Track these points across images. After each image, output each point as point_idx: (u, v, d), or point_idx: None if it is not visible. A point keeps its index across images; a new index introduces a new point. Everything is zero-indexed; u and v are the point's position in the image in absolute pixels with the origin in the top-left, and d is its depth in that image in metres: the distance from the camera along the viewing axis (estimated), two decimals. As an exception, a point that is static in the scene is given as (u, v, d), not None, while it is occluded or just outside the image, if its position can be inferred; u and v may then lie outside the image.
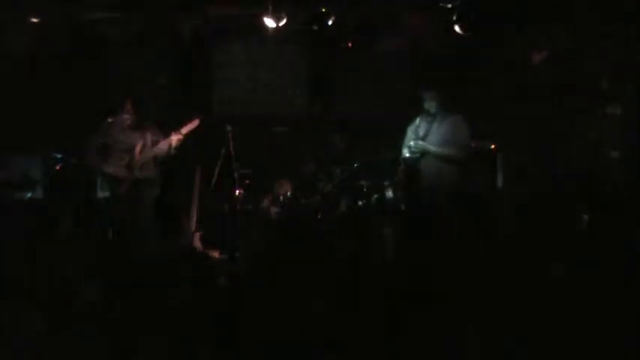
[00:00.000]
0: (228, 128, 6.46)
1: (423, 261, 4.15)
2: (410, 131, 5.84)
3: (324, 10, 6.60)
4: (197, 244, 6.20)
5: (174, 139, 5.63)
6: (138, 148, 5.60)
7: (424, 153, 5.68)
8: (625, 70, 6.53)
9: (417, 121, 5.80)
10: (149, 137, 5.68)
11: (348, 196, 6.64)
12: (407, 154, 5.81)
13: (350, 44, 7.43)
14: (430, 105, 5.72)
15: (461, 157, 5.59)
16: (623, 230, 4.89)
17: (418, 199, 5.76)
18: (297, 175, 7.07)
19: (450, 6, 6.06)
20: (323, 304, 3.42)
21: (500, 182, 6.86)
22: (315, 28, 6.80)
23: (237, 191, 6.47)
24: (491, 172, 6.91)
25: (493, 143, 6.94)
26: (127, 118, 5.62)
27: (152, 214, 5.75)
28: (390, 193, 6.40)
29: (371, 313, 3.29)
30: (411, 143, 5.73)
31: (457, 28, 6.15)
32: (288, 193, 6.81)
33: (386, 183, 6.47)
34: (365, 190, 6.64)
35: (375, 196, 6.55)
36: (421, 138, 5.71)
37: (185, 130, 5.70)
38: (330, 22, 6.65)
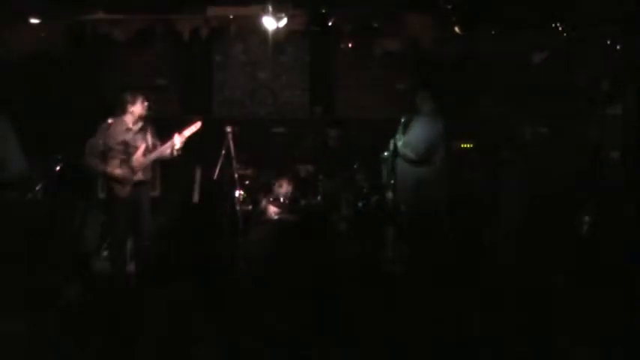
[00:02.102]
0: (228, 129, 6.46)
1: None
2: (398, 131, 5.96)
3: (324, 10, 6.60)
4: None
5: (177, 141, 5.61)
6: (140, 150, 5.57)
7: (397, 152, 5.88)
8: (625, 70, 6.53)
9: (403, 120, 5.92)
10: (150, 139, 5.66)
11: (349, 196, 6.64)
12: (385, 154, 6.04)
13: (350, 44, 7.43)
14: (417, 104, 5.86)
15: (412, 157, 5.73)
16: (623, 230, 4.90)
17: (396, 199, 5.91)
18: (297, 176, 7.07)
19: (449, 6, 6.06)
20: (324, 301, 3.43)
21: (500, 182, 6.86)
22: (315, 28, 6.80)
23: (237, 192, 6.47)
24: (491, 172, 6.92)
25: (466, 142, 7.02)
26: (128, 119, 5.60)
27: (151, 216, 5.74)
28: (390, 194, 6.41)
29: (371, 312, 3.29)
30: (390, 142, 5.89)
31: (457, 29, 6.16)
32: (288, 194, 6.81)
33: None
34: (365, 190, 6.64)
35: (376, 196, 6.56)
36: (403, 136, 5.86)
37: (188, 132, 5.68)
38: (330, 23, 6.65)
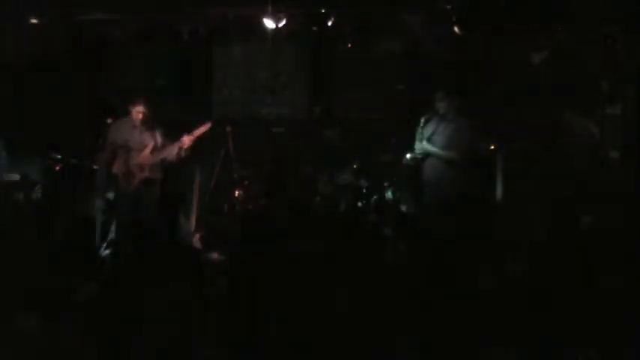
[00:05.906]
0: (228, 129, 6.46)
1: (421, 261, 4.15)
2: (417, 132, 5.83)
3: (323, 10, 6.61)
4: (197, 244, 6.20)
5: (186, 141, 5.65)
6: (149, 149, 5.67)
7: (427, 154, 5.72)
8: (625, 70, 6.53)
9: (422, 121, 5.79)
10: (159, 138, 5.74)
11: (348, 197, 6.64)
12: (410, 157, 5.84)
13: (350, 44, 7.43)
14: (439, 105, 5.74)
15: (459, 160, 5.60)
16: (623, 230, 4.89)
17: (419, 201, 5.82)
18: (296, 176, 7.07)
19: (449, 7, 6.06)
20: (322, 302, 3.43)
21: (500, 183, 6.86)
22: (315, 28, 6.80)
23: (237, 192, 6.47)
24: (491, 173, 6.91)
25: (493, 144, 6.94)
26: (135, 118, 5.66)
27: (156, 214, 5.80)
28: (389, 194, 6.41)
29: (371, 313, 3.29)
30: (416, 145, 5.77)
31: (456, 29, 6.15)
32: (287, 194, 6.81)
33: (385, 184, 6.47)
34: (364, 190, 6.63)
35: (375, 197, 6.56)
36: (427, 138, 5.74)
37: (197, 133, 5.71)
38: (329, 23, 6.65)
